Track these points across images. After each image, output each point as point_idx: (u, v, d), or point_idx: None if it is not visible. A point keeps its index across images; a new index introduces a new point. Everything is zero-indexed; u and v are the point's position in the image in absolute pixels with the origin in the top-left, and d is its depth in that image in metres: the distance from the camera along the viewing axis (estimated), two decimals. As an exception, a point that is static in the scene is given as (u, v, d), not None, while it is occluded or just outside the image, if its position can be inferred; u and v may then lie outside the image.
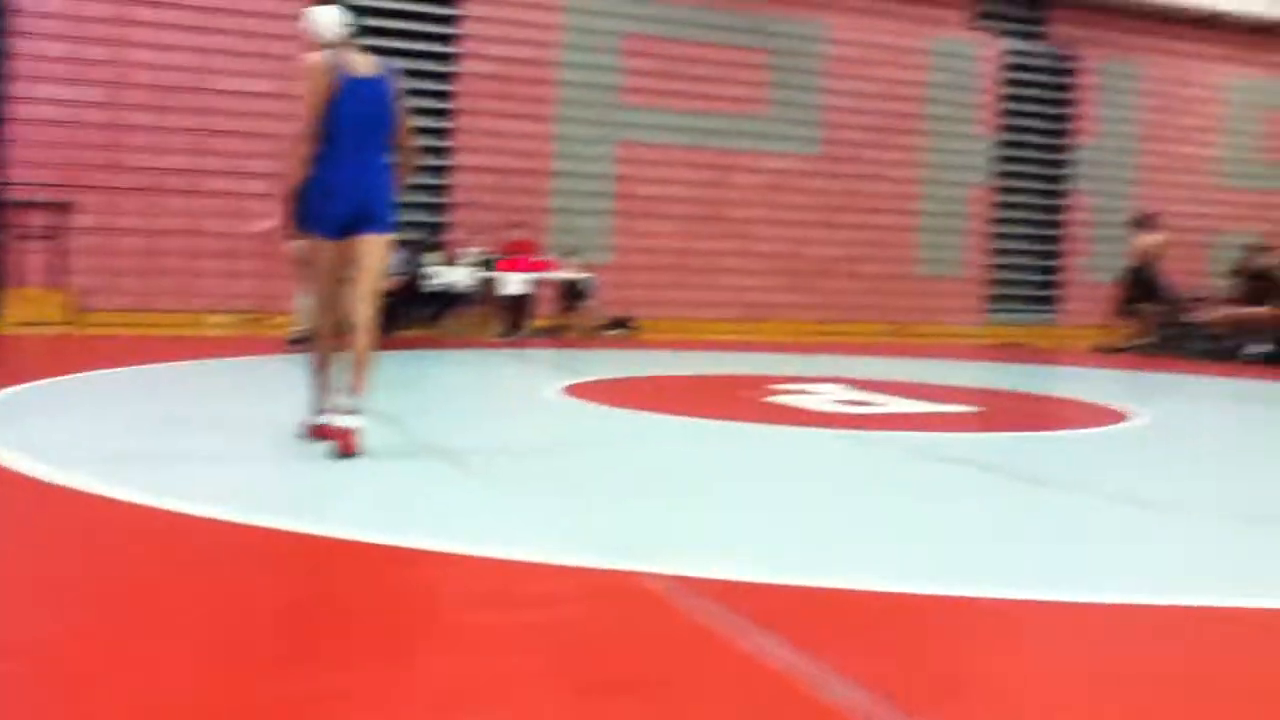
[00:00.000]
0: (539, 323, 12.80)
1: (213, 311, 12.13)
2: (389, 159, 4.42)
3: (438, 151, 13.23)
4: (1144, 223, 13.12)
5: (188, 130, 12.03)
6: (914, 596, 2.55)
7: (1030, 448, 5.33)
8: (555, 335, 12.64)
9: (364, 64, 4.37)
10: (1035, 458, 4.95)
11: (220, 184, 12.14)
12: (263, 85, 12.20)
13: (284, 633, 2.19)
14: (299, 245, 9.83)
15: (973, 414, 6.63)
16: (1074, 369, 11.12)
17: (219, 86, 12.13)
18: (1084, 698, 1.98)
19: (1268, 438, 6.19)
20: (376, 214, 4.35)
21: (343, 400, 4.22)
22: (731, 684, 1.96)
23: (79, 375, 6.91)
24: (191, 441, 4.55)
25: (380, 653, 2.06)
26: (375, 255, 4.38)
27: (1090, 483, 4.25)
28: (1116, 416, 6.40)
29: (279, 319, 11.59)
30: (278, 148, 11.99)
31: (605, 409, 6.14)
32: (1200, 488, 4.30)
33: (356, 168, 4.32)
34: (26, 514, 3.22)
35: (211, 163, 12.12)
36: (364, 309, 4.36)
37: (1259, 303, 12.34)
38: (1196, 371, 10.58)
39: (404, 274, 11.71)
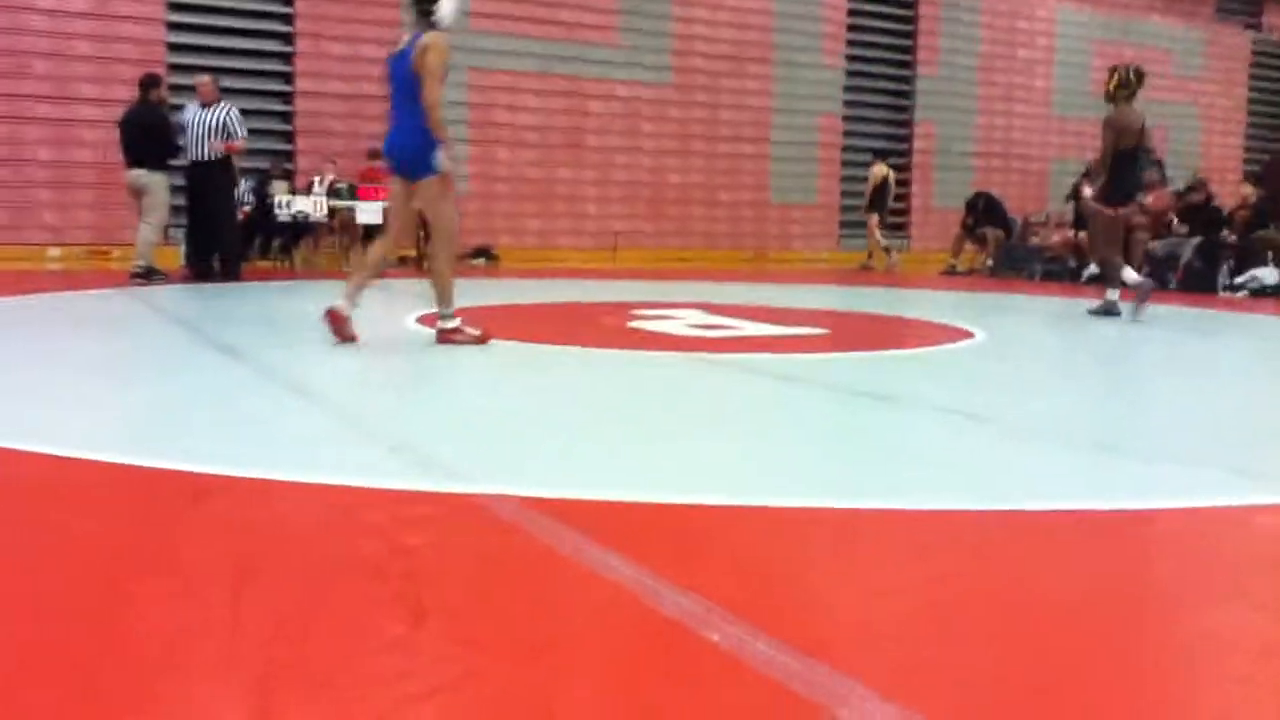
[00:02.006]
0: (396, 253, 12.56)
1: (50, 244, 11.52)
2: (418, 119, 5.28)
3: (283, 77, 12.75)
4: (879, 155, 14.86)
5: (2, 52, 11.26)
6: (752, 509, 2.64)
7: (874, 366, 5.53)
8: (413, 265, 12.43)
9: (405, 41, 5.37)
10: (878, 375, 5.13)
11: (45, 110, 11.44)
12: (81, 5, 11.50)
13: (108, 572, 2.14)
14: (134, 175, 9.53)
15: (822, 335, 6.82)
16: (921, 291, 11.52)
17: (36, 5, 11.38)
18: (903, 599, 2.10)
19: (1091, 355, 6.56)
20: (404, 164, 5.36)
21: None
22: (572, 600, 2.01)
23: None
24: (27, 379, 4.35)
25: (211, 586, 2.04)
26: (419, 197, 5.40)
27: (927, 398, 4.44)
28: (958, 336, 6.68)
29: (119, 251, 11.09)
30: (101, 71, 11.43)
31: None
32: (1024, 402, 4.54)
33: (392, 127, 5.44)
34: None
35: (32, 86, 11.39)
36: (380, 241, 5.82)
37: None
38: (1036, 293, 11.09)
39: (253, 204, 11.31)
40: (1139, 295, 7.66)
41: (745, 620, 1.89)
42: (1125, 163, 7.72)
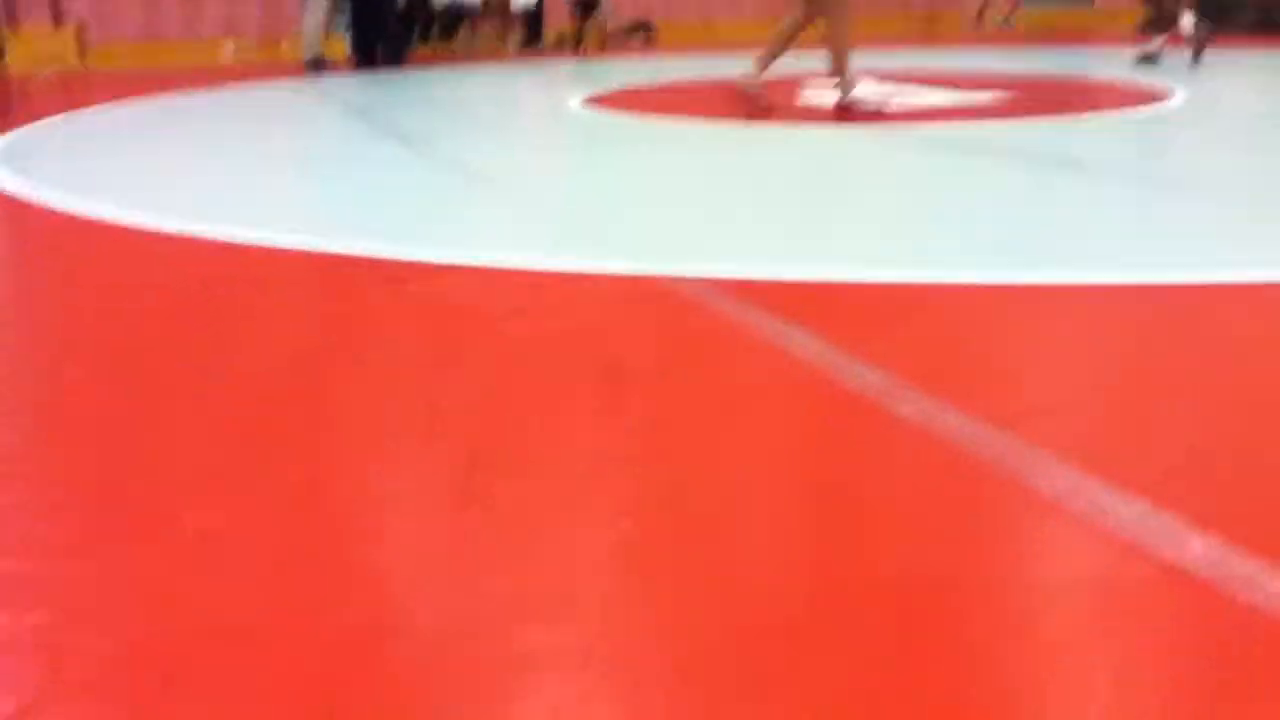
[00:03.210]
0: (555, 34, 12.37)
1: (221, 37, 11.80)
2: None
3: None
4: None
5: None
6: (934, 286, 2.59)
7: (1060, 132, 5.22)
8: (572, 46, 12.24)
9: None
10: (1065, 142, 4.85)
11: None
12: None
13: (307, 351, 2.27)
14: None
15: (1003, 101, 6.45)
16: (1111, 51, 10.69)
17: None
18: (1098, 372, 2.05)
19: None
20: None
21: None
22: (759, 373, 2.04)
23: (92, 110, 6.83)
24: (212, 168, 4.55)
25: (410, 365, 2.14)
26: None
27: (1117, 164, 4.19)
28: (1154, 97, 6.21)
29: (287, 43, 11.27)
30: None
31: (626, 118, 6.03)
32: (1228, 166, 4.23)
33: None
34: (54, 244, 3.28)
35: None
36: None
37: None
38: (1243, 47, 10.13)
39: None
40: (1193, 43, 7.60)
41: (934, 394, 1.88)
42: None
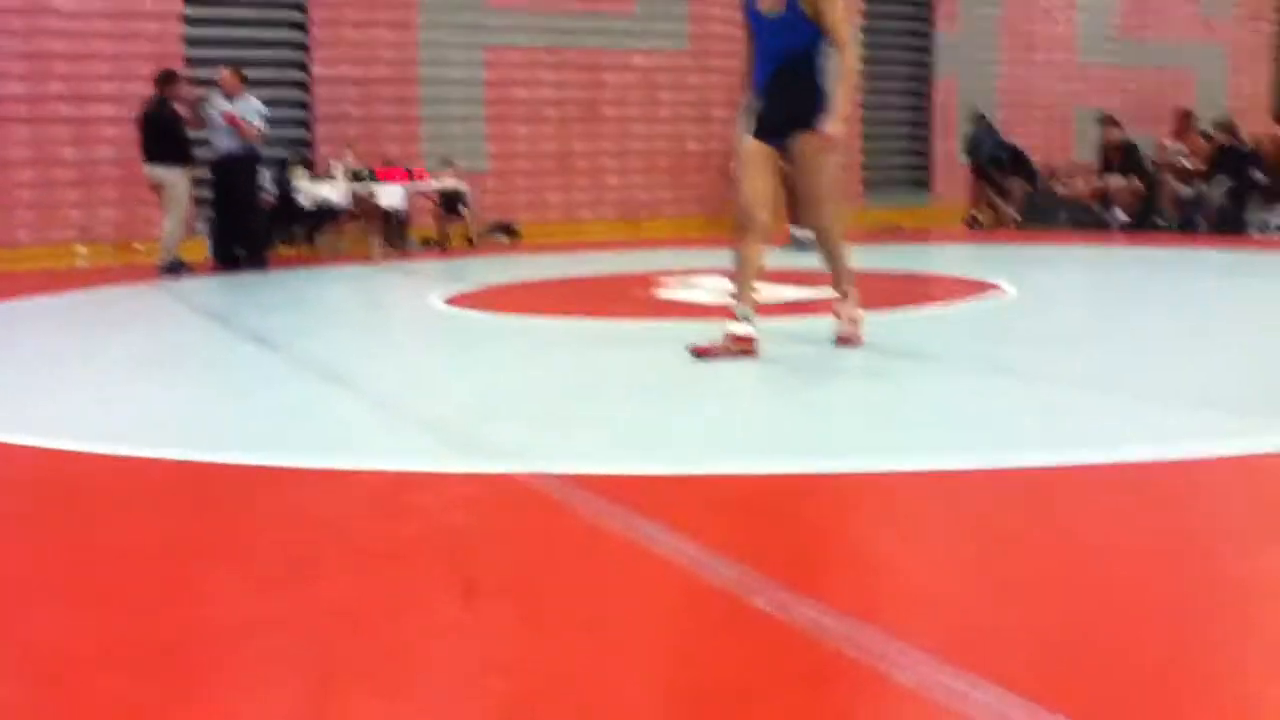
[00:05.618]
0: (419, 235, 12.58)
1: (75, 242, 11.62)
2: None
3: (298, 65, 12.76)
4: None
5: (23, 55, 11.34)
6: (788, 477, 2.65)
7: (902, 325, 5.50)
8: (436, 246, 12.45)
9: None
10: (907, 334, 5.11)
11: (66, 109, 11.52)
12: (98, 4, 11.55)
13: (166, 566, 2.18)
14: (151, 171, 9.43)
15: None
16: (947, 246, 11.43)
17: (53, 7, 11.44)
18: (953, 561, 2.11)
19: (1123, 305, 6.50)
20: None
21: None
22: (617, 573, 2.03)
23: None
24: (70, 377, 4.41)
25: (266, 578, 2.07)
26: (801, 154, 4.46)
27: (956, 354, 4.42)
28: (986, 290, 6.63)
29: (144, 247, 11.16)
30: (120, 69, 11.48)
31: (488, 317, 6.12)
32: (1061, 355, 4.51)
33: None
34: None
35: (53, 87, 11.47)
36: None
37: (1120, 174, 12.79)
38: (1063, 242, 10.98)
39: (274, 192, 11.37)
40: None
41: (793, 588, 1.90)
42: None
